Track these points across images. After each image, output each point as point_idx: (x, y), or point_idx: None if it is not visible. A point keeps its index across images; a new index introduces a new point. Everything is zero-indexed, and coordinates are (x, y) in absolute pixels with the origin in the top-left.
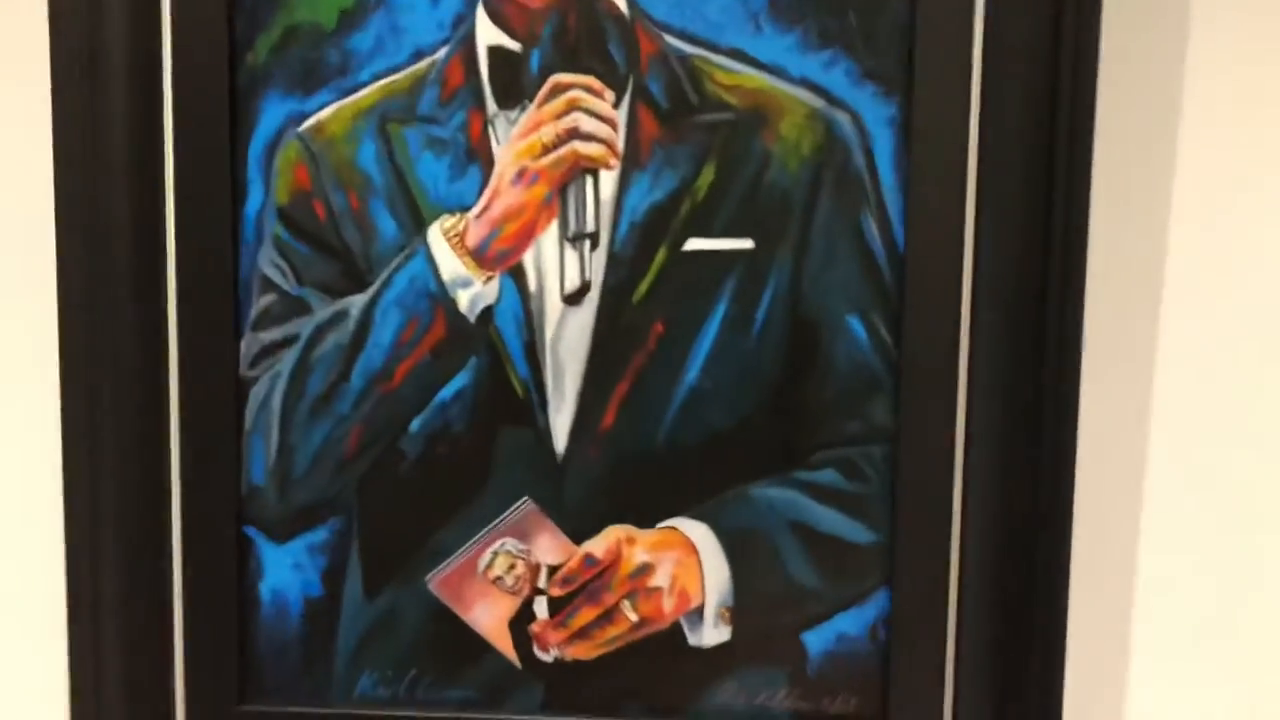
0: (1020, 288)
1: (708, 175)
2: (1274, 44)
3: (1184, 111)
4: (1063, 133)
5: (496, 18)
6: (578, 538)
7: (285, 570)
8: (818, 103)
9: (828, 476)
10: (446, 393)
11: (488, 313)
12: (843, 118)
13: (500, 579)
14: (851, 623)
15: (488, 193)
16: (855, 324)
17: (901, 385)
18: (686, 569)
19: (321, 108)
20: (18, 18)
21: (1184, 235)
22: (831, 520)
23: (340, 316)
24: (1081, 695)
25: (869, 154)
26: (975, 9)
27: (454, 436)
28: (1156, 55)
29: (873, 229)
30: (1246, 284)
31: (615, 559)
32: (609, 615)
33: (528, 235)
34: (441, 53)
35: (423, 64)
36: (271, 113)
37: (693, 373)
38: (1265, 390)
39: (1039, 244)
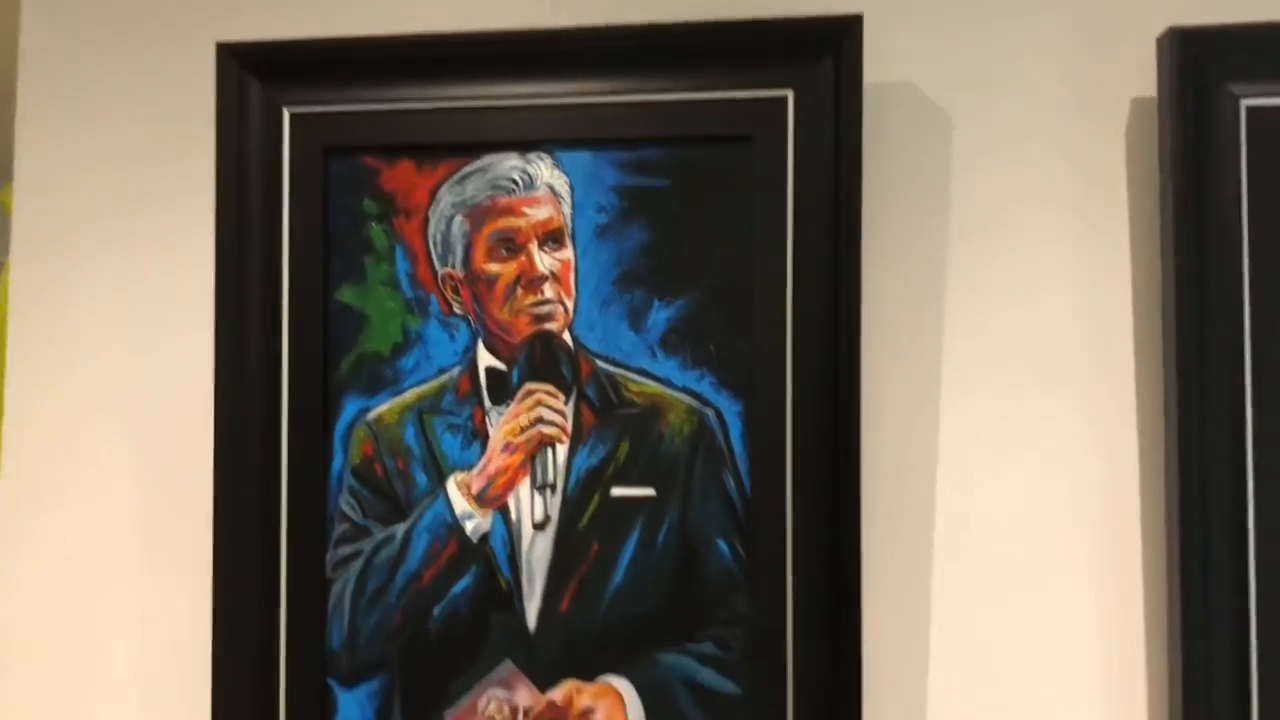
0: (821, 513)
1: (625, 447)
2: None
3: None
4: (841, 424)
5: (491, 349)
6: (543, 688)
7: (353, 708)
8: (693, 402)
9: (708, 648)
10: (457, 589)
11: (484, 536)
12: (709, 412)
13: (492, 718)
14: None
15: (484, 458)
16: (722, 545)
17: (750, 586)
18: (616, 711)
19: (380, 404)
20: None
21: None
22: (710, 678)
23: (390, 539)
24: None
25: (726, 435)
26: (786, 347)
27: (461, 619)
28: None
29: (730, 483)
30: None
31: (569, 704)
32: None
33: (510, 486)
34: (456, 370)
35: (444, 377)
36: (350, 407)
37: (619, 577)
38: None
39: (831, 497)
